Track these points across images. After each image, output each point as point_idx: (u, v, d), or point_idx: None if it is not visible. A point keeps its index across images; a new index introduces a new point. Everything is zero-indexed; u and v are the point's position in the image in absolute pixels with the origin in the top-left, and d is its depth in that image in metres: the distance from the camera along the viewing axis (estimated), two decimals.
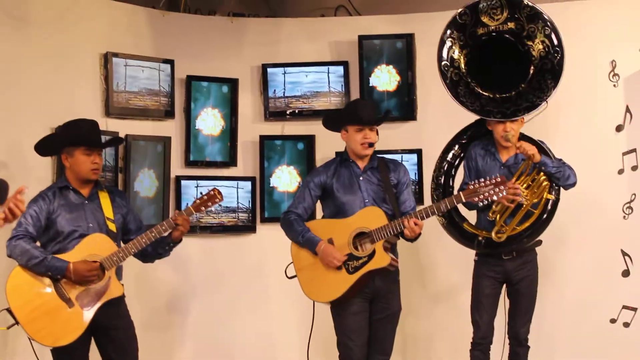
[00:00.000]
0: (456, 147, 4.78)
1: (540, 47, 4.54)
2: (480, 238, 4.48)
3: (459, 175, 4.73)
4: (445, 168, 4.76)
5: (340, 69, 5.61)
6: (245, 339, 5.68)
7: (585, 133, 5.27)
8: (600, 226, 5.22)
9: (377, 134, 4.30)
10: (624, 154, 5.20)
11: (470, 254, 4.65)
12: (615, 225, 5.19)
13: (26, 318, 3.87)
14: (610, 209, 5.22)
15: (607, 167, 5.23)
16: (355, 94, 5.61)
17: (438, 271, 5.69)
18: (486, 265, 4.55)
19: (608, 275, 5.22)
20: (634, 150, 5.18)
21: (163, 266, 5.22)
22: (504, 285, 4.58)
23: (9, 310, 3.83)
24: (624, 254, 5.18)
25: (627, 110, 5.19)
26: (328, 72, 5.64)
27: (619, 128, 5.24)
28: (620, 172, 5.22)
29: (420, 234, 4.19)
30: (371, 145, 4.26)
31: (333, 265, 4.13)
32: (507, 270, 4.50)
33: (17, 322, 3.86)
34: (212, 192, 4.18)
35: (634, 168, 5.20)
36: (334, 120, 4.50)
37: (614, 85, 5.20)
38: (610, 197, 5.22)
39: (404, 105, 5.58)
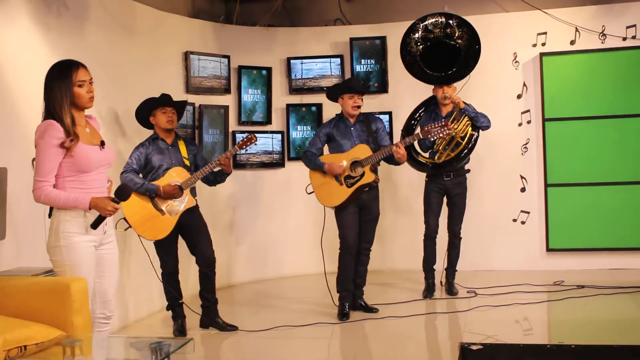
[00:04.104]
0: (416, 115, 5.87)
1: (466, 42, 5.65)
2: (429, 164, 5.59)
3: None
4: (410, 125, 5.87)
5: (338, 60, 6.85)
6: (279, 233, 6.86)
7: (498, 99, 6.49)
8: (507, 159, 6.56)
9: (362, 100, 5.16)
10: (522, 112, 6.56)
11: (421, 177, 5.80)
12: (516, 159, 6.55)
13: (136, 223, 4.61)
14: (513, 148, 6.55)
15: (511, 121, 6.55)
16: (347, 76, 6.73)
17: (402, 189, 6.76)
18: (433, 183, 5.61)
19: (512, 191, 6.58)
20: (528, 110, 6.54)
21: (227, 188, 6.35)
22: (445, 197, 5.68)
23: (124, 219, 4.58)
24: (522, 177, 6.56)
25: (524, 84, 6.56)
26: (330, 62, 6.85)
27: (519, 96, 6.57)
28: (520, 124, 6.56)
29: (405, 154, 4.95)
30: (359, 107, 5.13)
31: (337, 172, 4.97)
32: (447, 187, 5.58)
33: (130, 226, 4.61)
34: (249, 136, 4.89)
35: (529, 122, 6.53)
36: (333, 92, 5.28)
37: (516, 69, 6.57)
38: (513, 141, 6.56)
39: (380, 83, 6.79)
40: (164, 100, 4.85)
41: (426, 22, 5.73)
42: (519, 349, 4.25)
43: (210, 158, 5.67)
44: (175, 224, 4.69)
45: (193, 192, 4.85)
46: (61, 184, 3.26)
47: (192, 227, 4.82)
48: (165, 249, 4.81)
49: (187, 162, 4.86)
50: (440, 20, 5.71)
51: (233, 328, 4.92)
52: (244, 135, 6.26)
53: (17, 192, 3.97)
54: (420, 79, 5.77)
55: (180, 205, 4.69)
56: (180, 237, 4.91)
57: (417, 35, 5.74)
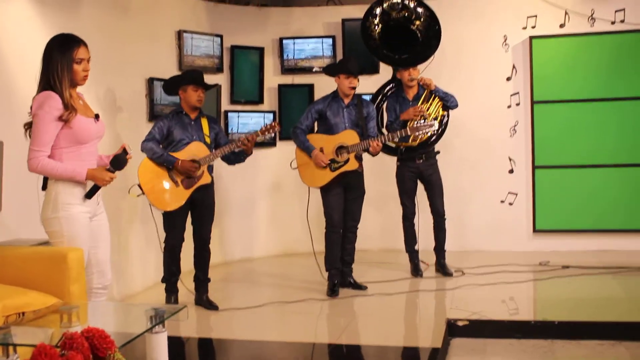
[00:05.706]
0: (380, 96, 5.91)
1: (425, 23, 5.64)
2: (402, 148, 5.58)
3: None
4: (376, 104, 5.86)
5: (330, 41, 6.89)
6: (268, 207, 7.00)
7: (487, 81, 6.59)
8: (496, 141, 6.63)
9: (358, 81, 5.22)
10: (511, 95, 6.61)
11: (393, 165, 5.74)
12: (505, 140, 6.62)
13: (149, 191, 4.69)
14: (502, 130, 6.62)
15: (500, 103, 6.63)
16: (339, 57, 6.67)
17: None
18: (405, 166, 5.61)
19: (500, 172, 6.64)
20: (517, 92, 6.59)
21: (218, 167, 5.82)
22: (418, 181, 5.66)
23: (139, 185, 4.69)
24: (510, 159, 6.64)
25: (514, 67, 6.61)
26: (322, 43, 6.89)
27: (508, 78, 6.62)
28: (509, 107, 6.62)
29: (379, 151, 5.13)
30: (354, 88, 5.18)
31: (320, 165, 5.10)
32: (420, 169, 5.60)
33: (143, 193, 4.68)
34: (273, 124, 4.94)
35: (518, 104, 6.59)
36: (331, 70, 5.36)
37: (505, 51, 6.63)
38: (502, 123, 6.62)
39: (371, 63, 6.66)
40: (202, 83, 4.88)
41: (383, 5, 5.69)
42: (504, 324, 4.40)
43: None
44: (187, 198, 4.74)
45: (210, 169, 4.90)
46: (58, 155, 3.30)
47: (202, 204, 4.88)
48: (174, 222, 4.83)
49: (207, 140, 4.89)
50: (397, 2, 5.68)
51: (213, 307, 4.93)
52: (241, 119, 6.44)
53: (13, 165, 3.95)
54: (386, 63, 5.78)
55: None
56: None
57: (375, 19, 5.71)
